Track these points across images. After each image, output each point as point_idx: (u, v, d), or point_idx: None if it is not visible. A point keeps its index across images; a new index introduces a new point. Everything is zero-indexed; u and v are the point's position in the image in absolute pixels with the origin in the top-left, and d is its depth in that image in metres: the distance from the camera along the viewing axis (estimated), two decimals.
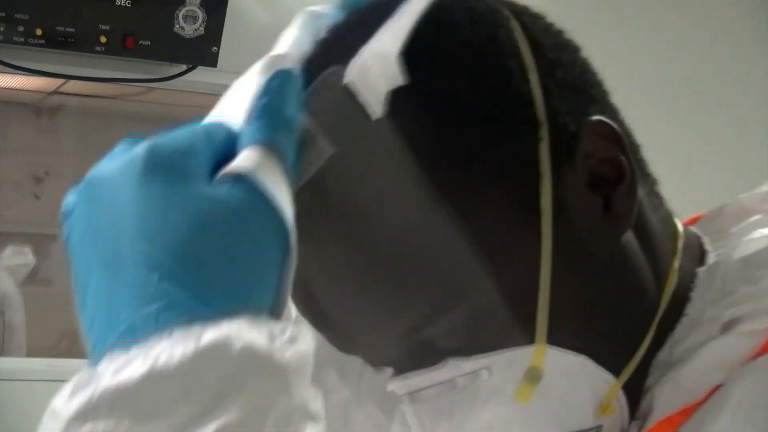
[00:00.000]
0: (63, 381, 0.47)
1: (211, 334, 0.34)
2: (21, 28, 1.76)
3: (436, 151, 0.46)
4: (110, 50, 1.84)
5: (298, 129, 0.43)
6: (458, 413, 0.48)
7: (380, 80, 0.46)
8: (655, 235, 0.50)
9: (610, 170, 0.47)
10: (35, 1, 1.78)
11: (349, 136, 0.47)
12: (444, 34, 0.48)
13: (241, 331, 0.35)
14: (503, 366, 0.46)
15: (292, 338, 0.36)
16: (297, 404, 0.36)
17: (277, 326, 0.36)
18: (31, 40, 1.78)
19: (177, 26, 1.86)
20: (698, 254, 0.51)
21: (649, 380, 0.49)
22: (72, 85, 2.34)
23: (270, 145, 0.40)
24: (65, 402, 0.34)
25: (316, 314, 0.49)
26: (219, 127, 0.42)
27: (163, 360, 0.34)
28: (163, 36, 1.87)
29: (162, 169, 0.38)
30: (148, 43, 1.86)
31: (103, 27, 1.81)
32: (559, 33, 0.52)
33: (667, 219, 0.51)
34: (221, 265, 0.37)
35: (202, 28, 1.89)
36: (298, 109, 0.43)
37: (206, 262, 0.37)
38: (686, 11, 2.51)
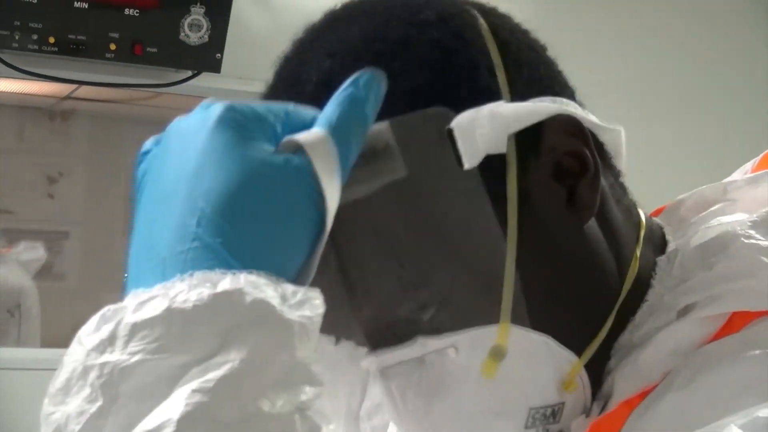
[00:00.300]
0: None
1: (228, 283, 0.35)
2: (35, 37, 1.81)
3: (408, 142, 0.46)
4: (119, 57, 1.90)
5: (367, 128, 0.43)
6: (427, 390, 0.48)
7: (483, 141, 0.46)
8: (617, 225, 0.51)
9: (574, 163, 0.48)
10: (48, 11, 1.82)
11: (428, 167, 0.47)
12: (415, 31, 0.48)
13: (255, 286, 0.35)
14: (469, 344, 0.46)
15: (302, 302, 0.36)
16: (297, 363, 0.36)
17: (290, 288, 0.36)
18: (44, 48, 1.82)
19: (182, 34, 1.91)
20: (660, 243, 0.52)
21: (611, 363, 0.49)
22: (83, 91, 2.32)
23: (336, 131, 0.41)
24: (90, 333, 0.35)
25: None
26: (303, 110, 0.43)
27: (179, 301, 0.34)
28: (170, 43, 1.92)
29: (231, 125, 0.38)
30: (155, 50, 1.91)
31: (113, 35, 1.87)
32: (525, 33, 0.52)
33: (630, 209, 0.51)
34: (257, 223, 0.38)
35: (206, 36, 1.94)
36: (375, 111, 0.43)
37: (244, 217, 0.37)
38: (680, 10, 2.48)
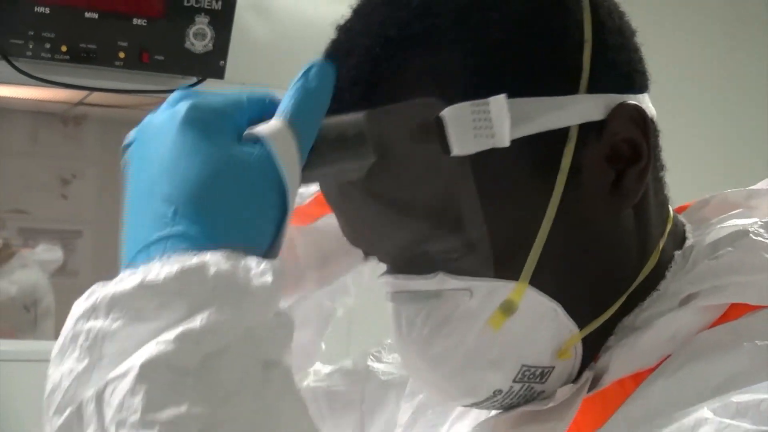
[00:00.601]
0: None
1: (195, 259, 0.37)
2: (47, 45, 1.81)
3: (474, 91, 0.44)
4: (128, 65, 1.89)
5: (322, 116, 0.43)
6: (434, 324, 0.47)
7: (474, 127, 0.44)
8: (650, 218, 0.50)
9: (630, 150, 0.47)
10: (60, 21, 1.84)
11: (412, 154, 0.45)
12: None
13: (219, 260, 0.37)
14: (485, 292, 0.46)
15: (264, 271, 0.38)
16: (258, 324, 0.37)
17: (253, 261, 0.38)
18: (56, 56, 1.83)
19: (188, 42, 1.91)
20: (680, 239, 0.51)
21: (611, 340, 0.48)
22: (94, 97, 2.26)
23: (293, 120, 0.42)
24: (79, 303, 0.38)
25: (345, 215, 0.49)
26: (259, 97, 0.44)
27: (152, 275, 0.36)
28: (176, 51, 1.92)
29: (196, 123, 0.40)
30: (161, 58, 1.91)
31: (122, 44, 1.87)
32: (621, 15, 0.50)
33: (664, 204, 0.50)
34: (226, 210, 0.39)
35: (210, 44, 1.93)
36: (327, 99, 0.43)
37: (214, 206, 0.39)
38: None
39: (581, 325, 0.47)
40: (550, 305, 0.46)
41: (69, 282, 2.62)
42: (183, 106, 0.40)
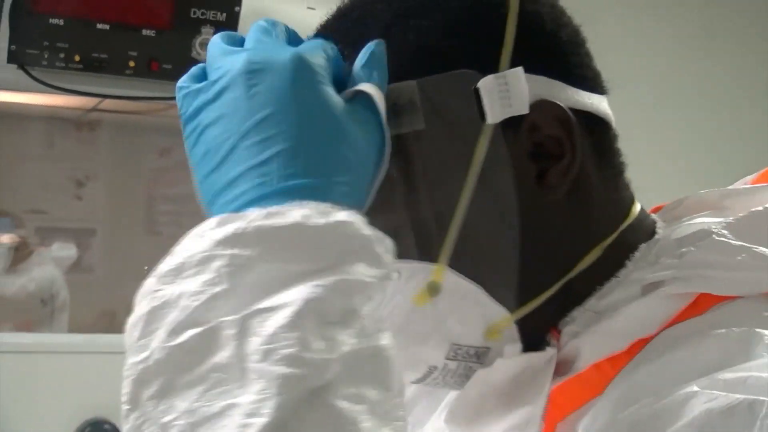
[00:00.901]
0: (102, 353, 0.72)
1: (344, 215, 0.36)
2: (62, 55, 1.80)
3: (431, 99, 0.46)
4: (138, 73, 1.87)
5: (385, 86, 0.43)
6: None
7: (509, 97, 0.45)
8: (593, 211, 0.49)
9: (554, 147, 0.47)
10: (73, 32, 1.81)
11: (451, 125, 0.46)
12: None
13: (363, 223, 0.37)
14: (409, 273, 0.47)
15: (388, 247, 0.38)
16: (384, 274, 0.37)
17: (380, 234, 0.38)
18: (70, 65, 1.81)
19: (194, 52, 1.88)
20: (649, 234, 0.51)
21: (575, 326, 0.48)
22: (107, 103, 2.22)
23: (379, 86, 0.42)
24: (213, 228, 0.35)
25: None
26: (332, 52, 0.43)
27: (305, 217, 0.35)
28: (183, 60, 1.88)
29: (307, 74, 0.38)
30: (169, 66, 1.89)
31: (132, 53, 1.85)
32: (560, 11, 0.51)
33: (618, 201, 0.50)
34: (346, 164, 0.39)
35: None
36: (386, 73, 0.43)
37: (336, 159, 0.38)
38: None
39: (510, 309, 0.47)
40: (470, 287, 0.46)
41: (83, 277, 2.61)
42: (287, 56, 0.38)
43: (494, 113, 0.45)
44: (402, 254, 0.45)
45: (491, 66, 0.46)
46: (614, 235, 0.49)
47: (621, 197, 0.50)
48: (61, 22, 1.78)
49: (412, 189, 0.46)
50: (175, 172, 2.50)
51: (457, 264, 0.47)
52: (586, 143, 0.48)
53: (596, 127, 0.50)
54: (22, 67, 1.77)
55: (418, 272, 0.47)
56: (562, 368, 0.48)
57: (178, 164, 2.40)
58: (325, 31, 0.49)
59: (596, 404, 0.45)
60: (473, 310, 0.47)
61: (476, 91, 0.45)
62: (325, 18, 0.50)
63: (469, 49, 0.47)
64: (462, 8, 0.47)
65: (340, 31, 0.48)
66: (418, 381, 0.50)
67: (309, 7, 2.18)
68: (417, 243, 0.47)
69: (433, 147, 0.46)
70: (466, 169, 0.46)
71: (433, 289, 0.47)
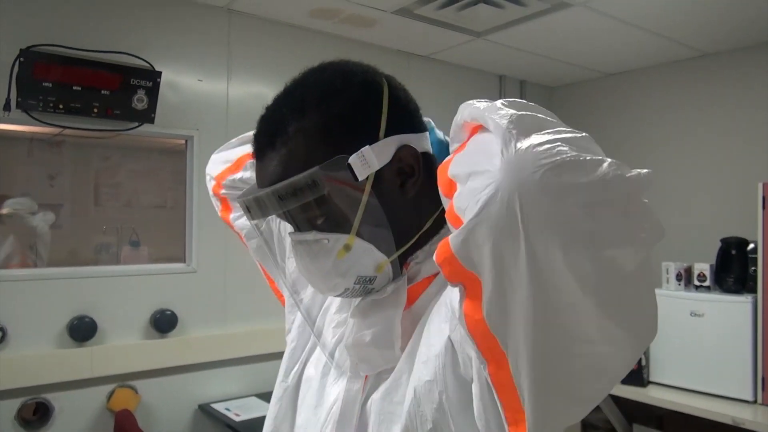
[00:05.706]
0: (161, 275, 1.87)
1: (645, 172, 0.47)
2: (51, 104, 2.28)
3: (334, 151, 0.63)
4: (99, 115, 2.37)
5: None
6: (311, 256, 0.69)
7: (368, 162, 0.63)
8: (422, 208, 0.71)
9: (410, 170, 0.68)
10: (59, 91, 2.28)
11: (338, 180, 0.64)
12: (343, 91, 0.66)
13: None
14: (334, 240, 0.66)
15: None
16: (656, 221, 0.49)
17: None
18: (57, 110, 2.30)
19: (134, 103, 2.46)
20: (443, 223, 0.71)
21: (420, 258, 0.71)
22: (73, 132, 2.51)
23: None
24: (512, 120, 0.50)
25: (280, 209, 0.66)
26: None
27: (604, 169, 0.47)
28: (126, 108, 2.44)
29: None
30: (119, 112, 2.42)
31: (95, 104, 2.37)
32: (405, 91, 0.71)
33: (438, 197, 0.62)
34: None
35: (146, 104, 2.47)
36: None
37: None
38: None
39: (388, 255, 0.67)
40: (368, 246, 0.66)
41: (57, 232, 2.91)
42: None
43: (361, 173, 0.64)
44: (329, 229, 0.65)
45: (375, 135, 0.64)
46: (437, 213, 0.70)
47: (437, 195, 0.61)
48: (51, 84, 2.26)
49: (338, 198, 0.64)
50: (113, 170, 2.83)
51: (362, 233, 0.65)
52: (424, 167, 0.68)
53: (429, 157, 0.70)
54: (25, 111, 2.24)
55: (339, 239, 0.65)
56: (411, 280, 0.69)
57: (114, 165, 2.77)
58: (266, 124, 0.67)
59: (427, 291, 0.68)
60: (369, 257, 0.66)
61: (349, 165, 0.63)
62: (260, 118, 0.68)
63: (358, 133, 0.64)
64: (350, 109, 0.65)
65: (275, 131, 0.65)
66: (339, 295, 0.70)
67: (198, 80, 2.77)
68: (338, 224, 0.66)
69: (343, 191, 0.65)
70: (363, 188, 0.64)
71: (347, 248, 0.64)
